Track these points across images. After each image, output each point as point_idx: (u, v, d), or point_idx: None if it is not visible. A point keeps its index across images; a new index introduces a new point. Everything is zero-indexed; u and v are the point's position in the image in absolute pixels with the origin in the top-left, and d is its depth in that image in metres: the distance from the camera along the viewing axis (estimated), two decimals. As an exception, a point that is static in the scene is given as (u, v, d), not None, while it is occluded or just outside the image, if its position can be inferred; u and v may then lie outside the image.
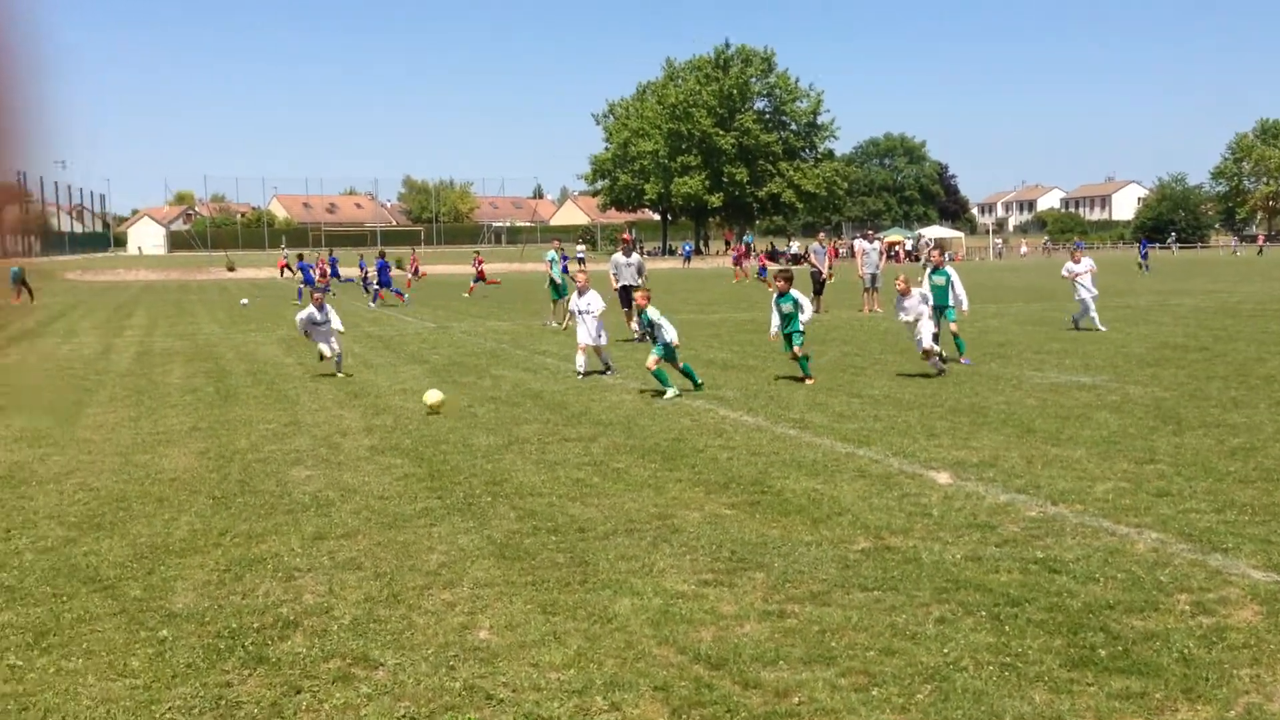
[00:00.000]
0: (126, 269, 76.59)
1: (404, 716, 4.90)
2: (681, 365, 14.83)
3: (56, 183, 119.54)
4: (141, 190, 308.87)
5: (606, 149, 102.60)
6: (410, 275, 45.19)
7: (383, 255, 39.10)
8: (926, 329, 15.61)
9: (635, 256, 22.53)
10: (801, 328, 15.36)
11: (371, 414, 13.43)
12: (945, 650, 5.46)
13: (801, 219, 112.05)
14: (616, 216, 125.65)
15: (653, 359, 14.32)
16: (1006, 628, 5.75)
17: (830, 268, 31.59)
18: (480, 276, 41.32)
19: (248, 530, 8.13)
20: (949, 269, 17.85)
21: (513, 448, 11.08)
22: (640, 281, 21.84)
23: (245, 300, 39.36)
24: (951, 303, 17.51)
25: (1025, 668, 5.24)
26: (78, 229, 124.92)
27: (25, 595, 6.70)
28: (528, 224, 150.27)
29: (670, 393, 14.00)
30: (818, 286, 29.20)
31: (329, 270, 44.14)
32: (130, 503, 9.06)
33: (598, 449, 10.94)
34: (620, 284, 22.47)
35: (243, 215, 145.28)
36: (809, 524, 7.96)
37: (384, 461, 10.54)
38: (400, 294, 37.54)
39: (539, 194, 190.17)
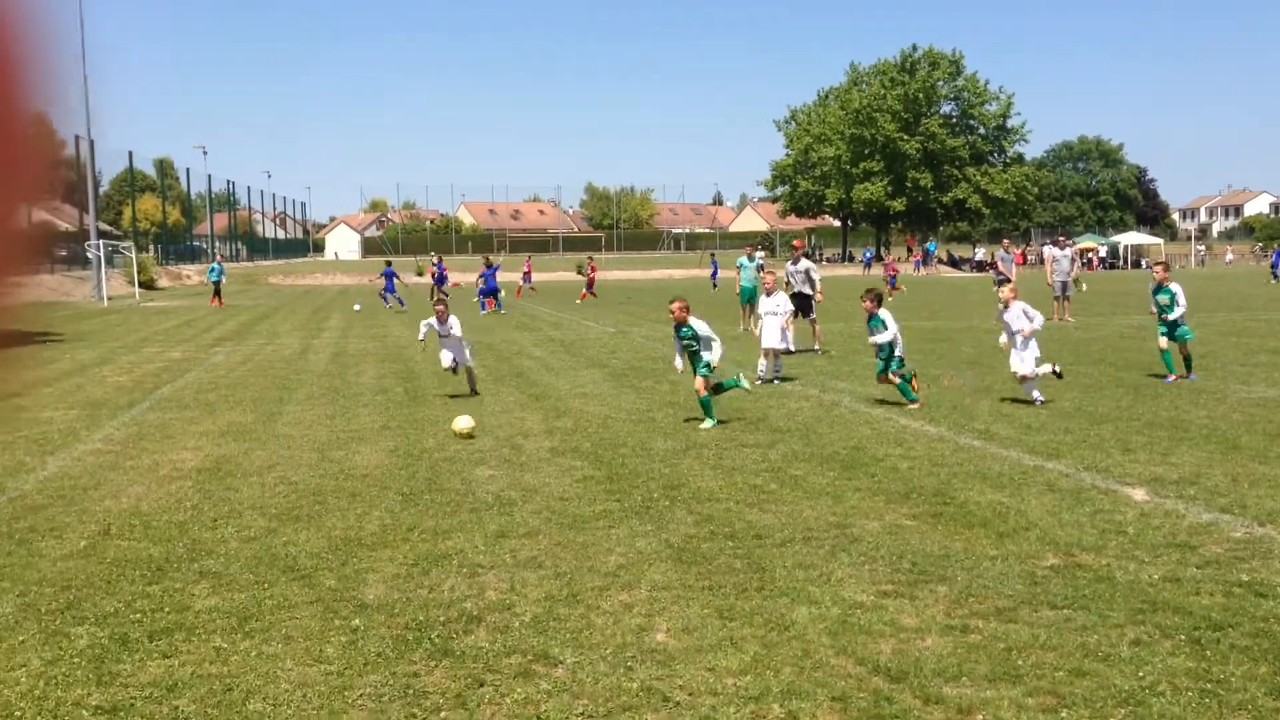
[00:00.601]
0: (324, 273, 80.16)
1: (582, 714, 4.97)
2: (722, 381, 13.30)
3: (262, 191, 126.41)
4: (339, 198, 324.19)
5: (787, 155, 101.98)
6: (522, 283, 45.96)
7: (489, 263, 38.42)
8: (1028, 351, 13.71)
9: (804, 263, 21.86)
10: (898, 352, 13.89)
11: (552, 416, 13.68)
12: (1140, 674, 5.21)
13: (988, 225, 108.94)
14: (796, 223, 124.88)
15: (700, 382, 12.74)
16: (1207, 652, 5.45)
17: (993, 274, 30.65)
18: (590, 284, 41.63)
19: (434, 526, 8.39)
20: (1174, 286, 15.83)
21: (690, 452, 11.12)
22: (810, 289, 21.25)
23: (358, 305, 40.44)
24: (1177, 318, 15.64)
25: (1227, 695, 4.95)
26: (280, 235, 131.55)
27: (230, 581, 7.08)
28: (707, 230, 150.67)
29: (708, 424, 12.55)
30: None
31: (435, 274, 44.11)
32: (326, 497, 9.47)
33: (775, 455, 10.87)
34: (792, 291, 22.08)
35: (431, 221, 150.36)
36: (994, 538, 7.72)
37: (564, 463, 10.72)
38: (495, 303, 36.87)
39: (719, 200, 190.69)
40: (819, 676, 5.30)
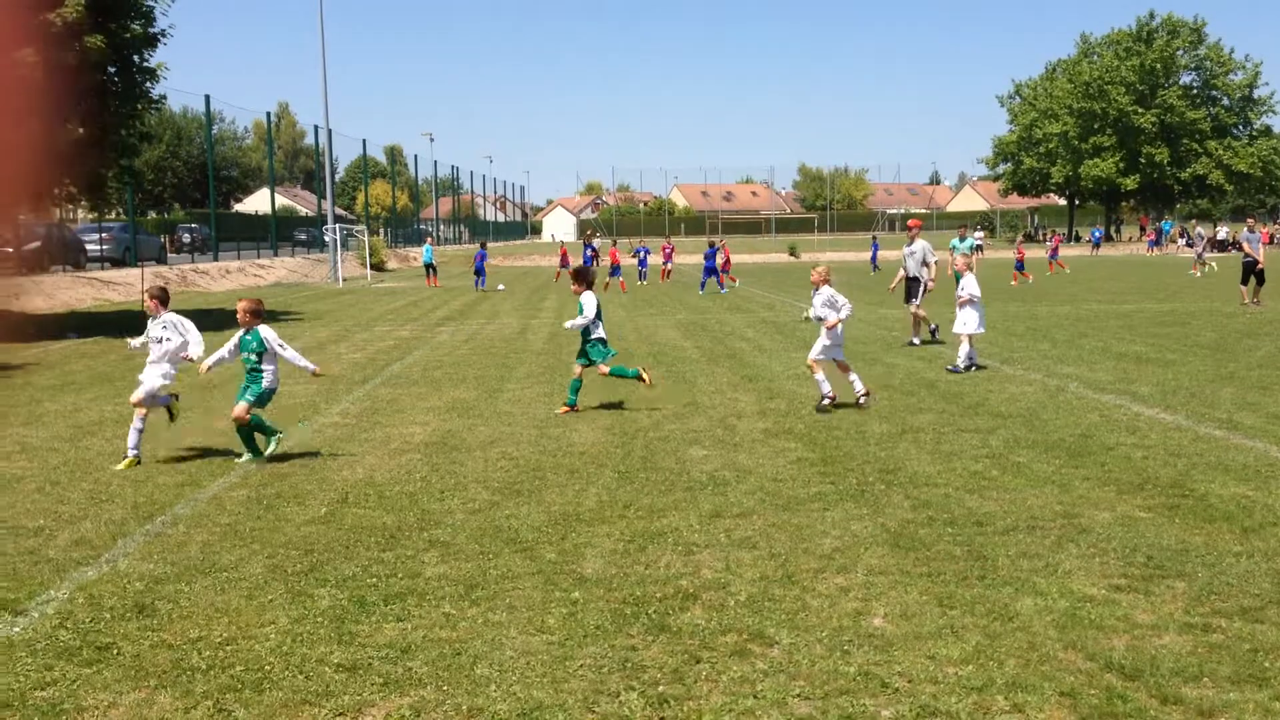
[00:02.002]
0: (540, 255, 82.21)
1: (799, 696, 4.95)
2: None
3: (484, 176, 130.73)
4: (556, 182, 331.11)
5: (1010, 131, 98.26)
6: (664, 264, 45.58)
7: (599, 244, 38.31)
8: None
9: (918, 245, 19.97)
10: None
11: (765, 398, 13.65)
12: None
13: (1231, 202, 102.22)
14: (1018, 202, 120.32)
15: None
16: None
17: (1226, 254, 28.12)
18: (725, 267, 40.73)
19: (650, 505, 8.50)
20: None
21: (906, 436, 10.90)
22: (924, 274, 19.54)
23: (502, 285, 41.90)
24: None
25: None
26: (500, 218, 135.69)
27: (458, 551, 7.37)
28: (923, 210, 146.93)
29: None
30: (1257, 276, 26.60)
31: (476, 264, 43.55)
32: (545, 472, 9.73)
33: (997, 441, 10.53)
34: (906, 275, 20.02)
35: (645, 204, 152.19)
36: (1238, 533, 7.26)
37: (777, 445, 10.68)
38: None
39: (935, 180, 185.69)
40: (1046, 670, 5.11)
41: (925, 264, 19.66)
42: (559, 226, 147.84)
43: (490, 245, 73.91)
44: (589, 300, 12.93)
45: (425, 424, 12.30)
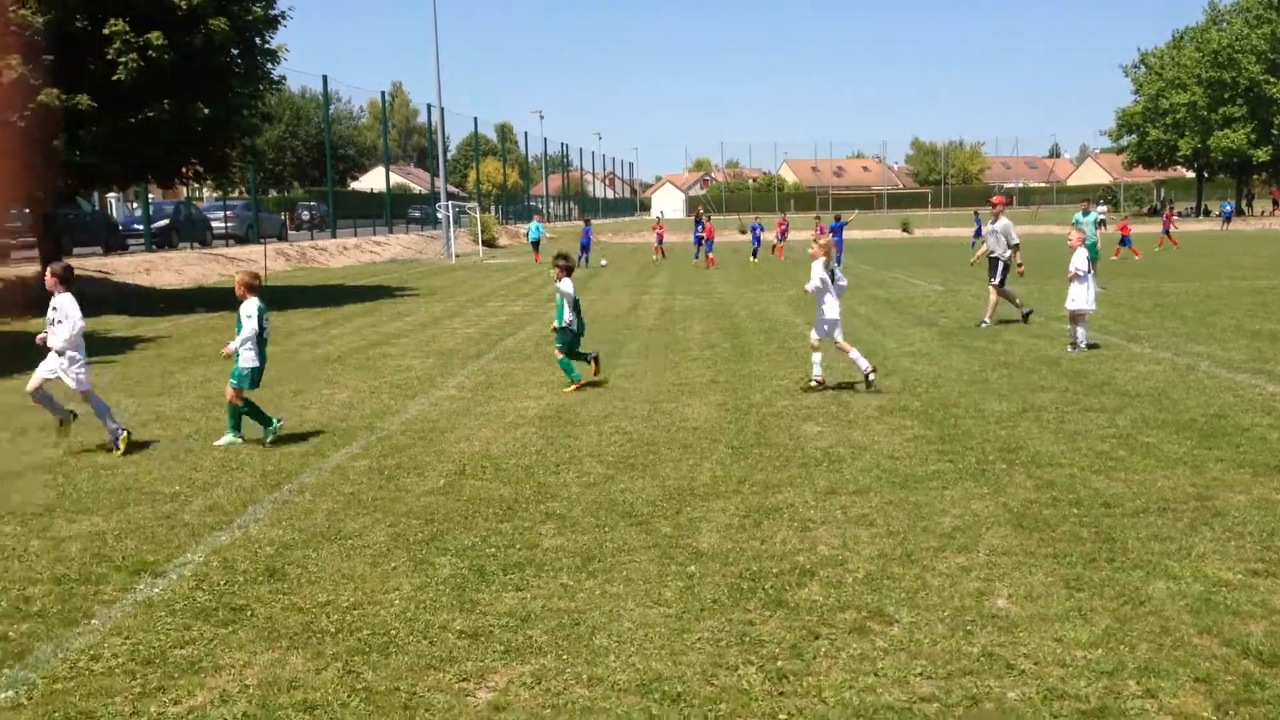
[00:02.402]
0: (649, 232, 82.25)
1: (920, 675, 4.89)
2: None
3: (593, 153, 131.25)
4: (665, 158, 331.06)
5: (1135, 102, 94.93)
6: (777, 241, 44.82)
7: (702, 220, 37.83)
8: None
9: (1001, 222, 18.85)
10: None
11: (880, 375, 13.45)
12: None
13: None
14: (1142, 175, 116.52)
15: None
16: None
17: None
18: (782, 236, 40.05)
19: (764, 480, 8.47)
20: None
21: (1028, 415, 10.66)
22: (1005, 254, 18.44)
23: (605, 261, 42.03)
24: None
25: None
26: (609, 195, 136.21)
27: (574, 523, 7.44)
28: (1042, 184, 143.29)
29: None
30: None
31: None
32: (659, 447, 9.76)
33: (1124, 421, 10.23)
34: (989, 254, 18.89)
35: (754, 180, 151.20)
36: (1384, 519, 6.94)
37: (893, 422, 10.54)
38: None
39: (1055, 153, 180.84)
40: (1180, 655, 4.96)
41: (1009, 243, 18.63)
42: (667, 203, 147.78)
43: (598, 222, 74.26)
44: (567, 286, 13.14)
45: (539, 398, 12.42)
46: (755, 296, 25.78)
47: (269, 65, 25.64)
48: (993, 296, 18.65)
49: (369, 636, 5.48)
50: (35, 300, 25.26)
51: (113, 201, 49.75)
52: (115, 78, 21.21)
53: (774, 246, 44.94)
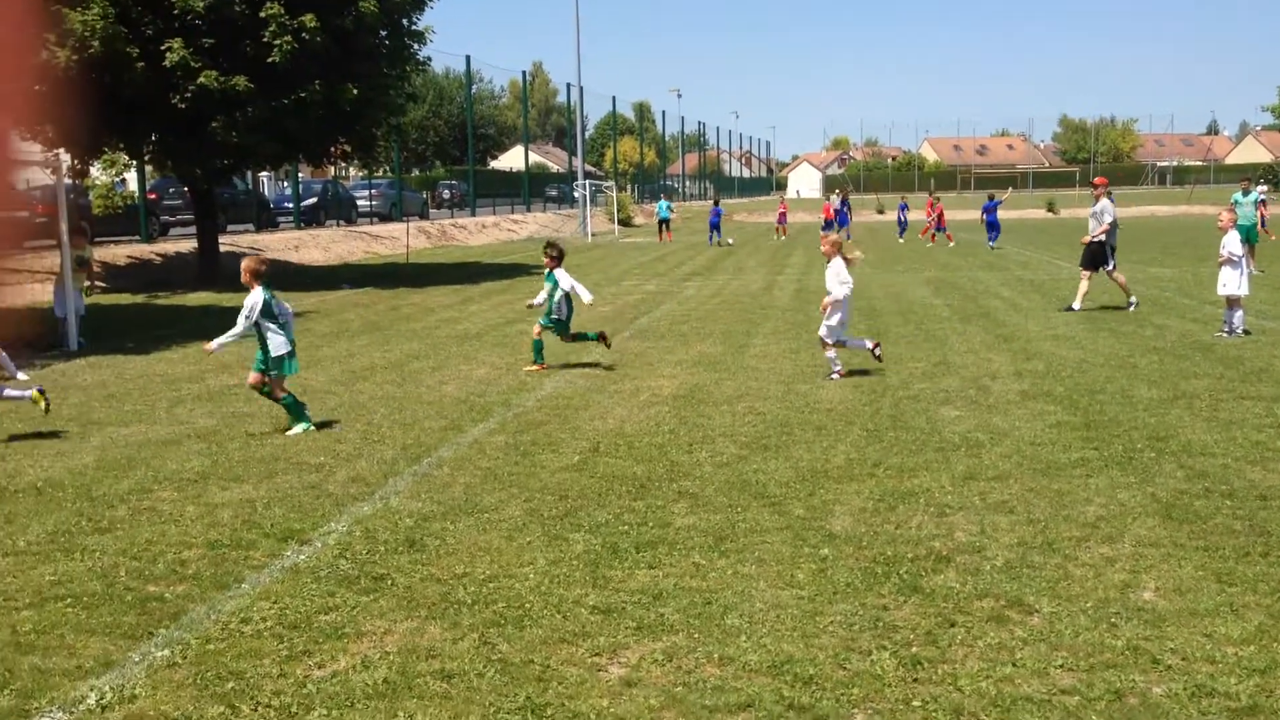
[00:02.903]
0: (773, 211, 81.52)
1: (1061, 667, 4.76)
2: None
3: (730, 131, 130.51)
4: (802, 137, 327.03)
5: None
6: (931, 223, 43.31)
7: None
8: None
9: (1101, 203, 18.00)
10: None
11: (1022, 359, 13.11)
12: None
13: None
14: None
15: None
16: None
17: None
18: (940, 225, 38.25)
19: (899, 464, 8.34)
20: None
21: (1179, 402, 10.25)
22: (1099, 235, 17.75)
23: (731, 240, 42.03)
24: None
25: None
26: (745, 174, 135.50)
27: (706, 502, 7.45)
28: (1198, 163, 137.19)
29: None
30: None
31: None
32: (792, 428, 9.69)
33: (1283, 411, 9.76)
34: (1089, 238, 18.08)
35: (893, 159, 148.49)
36: None
37: (1035, 407, 10.26)
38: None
39: (1213, 130, 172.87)
40: (1341, 658, 4.73)
41: (1105, 222, 17.82)
42: (804, 182, 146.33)
43: (733, 201, 73.89)
44: (563, 275, 13.26)
45: (673, 377, 12.45)
46: (892, 278, 25.35)
47: (415, 46, 26.16)
48: (1121, 278, 18.05)
49: (504, 609, 5.59)
50: (195, 276, 26.40)
51: (265, 180, 51.53)
52: (270, 60, 21.91)
53: (925, 229, 43.65)
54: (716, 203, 45.55)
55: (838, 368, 12.08)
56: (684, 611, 5.50)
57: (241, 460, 8.84)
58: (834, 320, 11.96)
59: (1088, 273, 17.97)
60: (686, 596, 5.71)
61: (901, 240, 39.79)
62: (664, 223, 46.88)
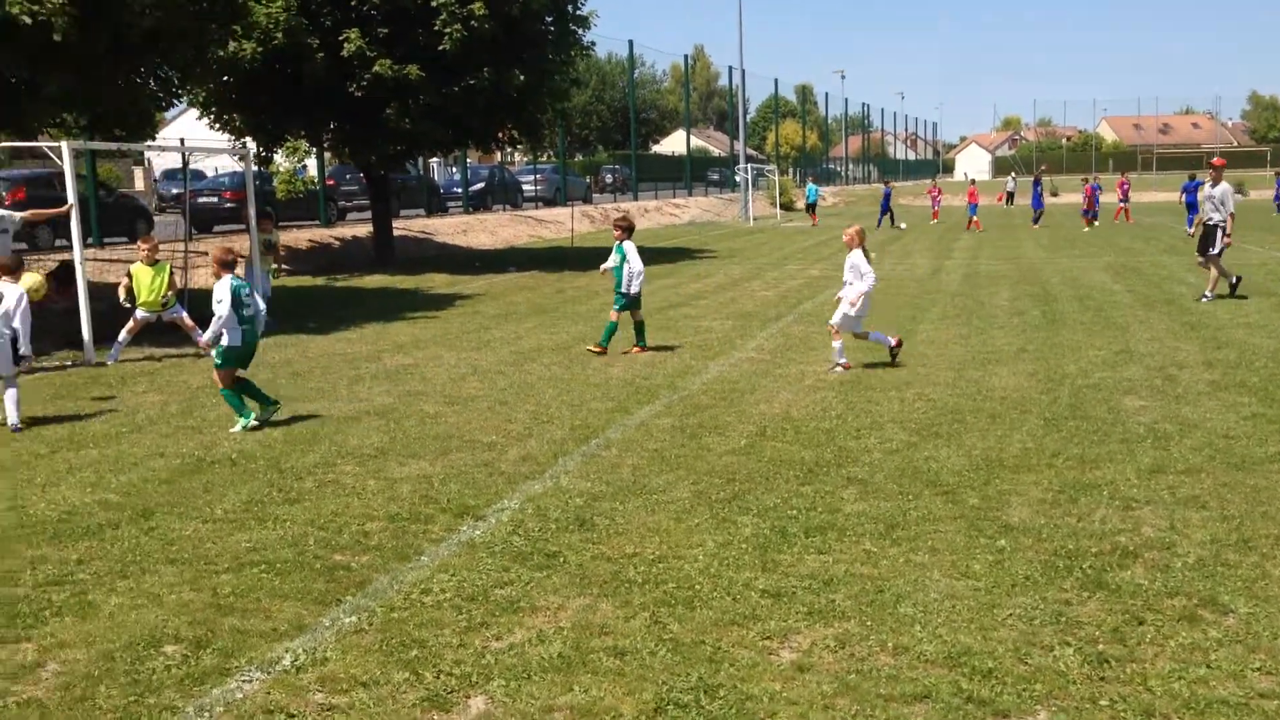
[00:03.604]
0: (950, 194, 79.56)
1: (1260, 670, 4.54)
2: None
3: (895, 113, 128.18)
4: (971, 118, 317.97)
5: None
6: (1120, 204, 41.01)
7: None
8: None
9: (1221, 187, 16.81)
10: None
11: (1211, 347, 12.50)
12: None
13: None
14: None
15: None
16: None
17: None
18: (1088, 208, 36.30)
19: (1080, 455, 8.06)
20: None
21: (1387, 396, 9.61)
22: (1218, 220, 16.58)
23: (904, 224, 41.05)
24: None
25: None
26: (910, 156, 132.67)
27: (876, 489, 7.34)
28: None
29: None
30: None
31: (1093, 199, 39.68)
32: (964, 415, 9.46)
33: None
34: (1207, 223, 16.99)
35: (1068, 139, 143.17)
36: None
37: (1227, 398, 9.77)
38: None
39: None
40: None
41: (1223, 208, 16.73)
42: (972, 164, 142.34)
43: (899, 184, 72.66)
44: (631, 248, 13.05)
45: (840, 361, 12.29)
46: (1069, 262, 24.47)
47: (580, 31, 26.45)
48: (1212, 270, 16.99)
49: (674, 589, 5.62)
50: (370, 259, 27.33)
51: (434, 166, 52.92)
52: (441, 48, 22.46)
53: (1117, 210, 41.78)
54: (887, 185, 44.73)
55: (842, 360, 11.75)
56: (855, 598, 5.44)
57: (418, 437, 9.12)
58: (853, 311, 11.61)
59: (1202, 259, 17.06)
60: (858, 583, 5.64)
61: (1096, 224, 37.48)
62: (811, 206, 46.55)
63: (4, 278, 9.82)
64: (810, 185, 49.79)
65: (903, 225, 41.11)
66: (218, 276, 9.72)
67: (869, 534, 6.42)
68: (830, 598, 5.46)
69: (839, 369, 11.70)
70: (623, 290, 13.10)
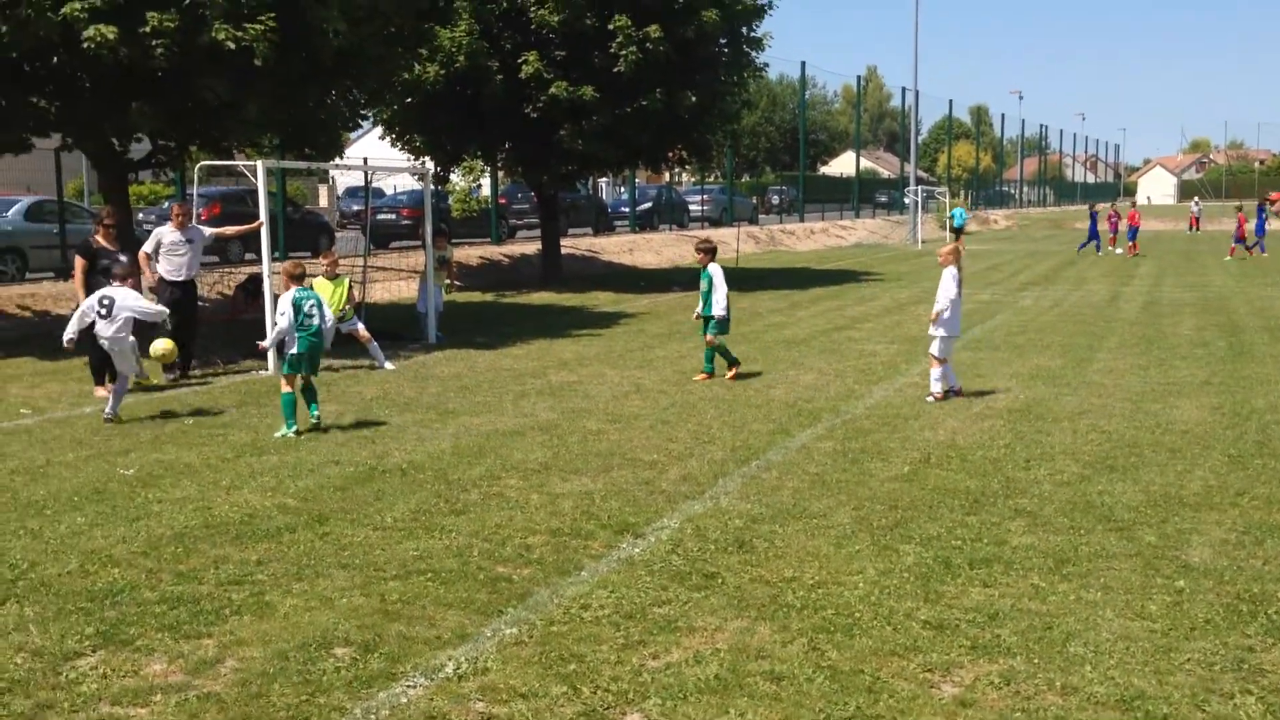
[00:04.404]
0: (1158, 219, 76.52)
1: None
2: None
3: (1075, 134, 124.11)
4: (1156, 139, 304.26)
5: None
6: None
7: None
8: None
9: None
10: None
11: None
12: None
13: None
14: None
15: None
16: None
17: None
18: (1240, 237, 33.64)
19: (1268, 494, 7.65)
20: None
21: None
22: None
23: (1119, 250, 38.86)
24: None
25: None
26: (1090, 179, 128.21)
27: (1045, 522, 7.11)
28: None
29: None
30: None
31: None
32: (1141, 449, 9.09)
33: None
34: None
35: (1261, 162, 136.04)
36: None
37: None
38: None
39: None
40: None
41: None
42: (1156, 188, 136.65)
43: (1074, 208, 70.11)
44: (717, 272, 12.85)
45: (1008, 390, 11.98)
46: (1257, 291, 23.26)
47: (753, 53, 26.50)
48: None
49: (833, 616, 5.56)
50: (538, 276, 27.90)
51: (603, 185, 53.72)
52: (616, 69, 22.81)
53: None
54: (1093, 209, 42.37)
55: (940, 388, 11.35)
56: (1022, 634, 5.28)
57: (580, 453, 9.26)
58: (942, 331, 11.25)
59: None
60: (1025, 619, 5.47)
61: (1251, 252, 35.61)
62: (958, 231, 44.93)
63: (115, 283, 10.65)
64: (958, 209, 48.17)
65: (1117, 251, 39.24)
66: (286, 288, 10.14)
67: (1037, 568, 6.23)
68: (995, 632, 5.32)
69: (931, 398, 11.33)
70: (714, 314, 12.92)
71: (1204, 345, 15.23)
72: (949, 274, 11.32)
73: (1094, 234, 39.80)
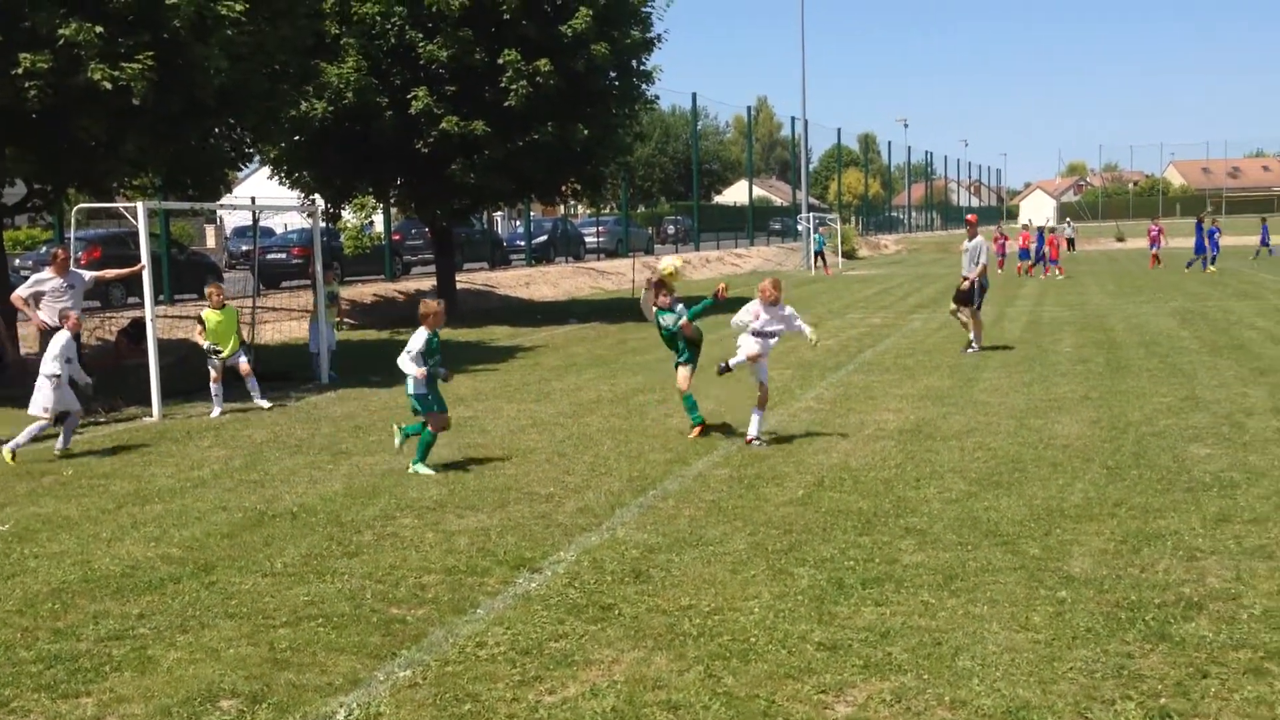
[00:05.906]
0: (1012, 238, 78.81)
1: (1330, 728, 4.41)
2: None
3: (958, 160, 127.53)
4: (1035, 163, 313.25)
5: None
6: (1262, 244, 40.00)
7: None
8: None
9: (976, 241, 17.31)
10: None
11: (1282, 393, 12.24)
12: None
13: None
14: None
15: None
16: None
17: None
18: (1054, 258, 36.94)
19: (1143, 504, 7.92)
20: None
21: None
22: (973, 277, 17.15)
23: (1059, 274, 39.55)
24: None
25: None
26: (975, 203, 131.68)
27: (934, 540, 7.26)
28: None
29: None
30: None
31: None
32: (1025, 465, 9.34)
33: None
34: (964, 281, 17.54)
35: (1135, 184, 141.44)
36: None
37: (1298, 446, 9.55)
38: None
39: None
40: None
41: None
42: (1036, 211, 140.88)
43: (959, 232, 71.97)
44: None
45: (898, 411, 12.22)
46: (1133, 309, 24.12)
47: (644, 86, 26.73)
48: (975, 319, 17.52)
49: (729, 642, 5.60)
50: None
51: (498, 219, 53.59)
52: (506, 104, 22.82)
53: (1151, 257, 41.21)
54: (1040, 231, 42.38)
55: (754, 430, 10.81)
56: (913, 651, 5.38)
57: (476, 489, 9.19)
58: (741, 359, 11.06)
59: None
60: (915, 635, 5.58)
61: (1213, 268, 36.05)
62: (818, 254, 46.52)
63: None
64: (817, 235, 48.75)
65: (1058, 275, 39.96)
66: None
67: (927, 585, 6.36)
68: (887, 650, 5.40)
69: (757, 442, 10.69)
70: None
71: (1083, 362, 15.73)
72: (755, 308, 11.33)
73: (1202, 246, 37.04)
